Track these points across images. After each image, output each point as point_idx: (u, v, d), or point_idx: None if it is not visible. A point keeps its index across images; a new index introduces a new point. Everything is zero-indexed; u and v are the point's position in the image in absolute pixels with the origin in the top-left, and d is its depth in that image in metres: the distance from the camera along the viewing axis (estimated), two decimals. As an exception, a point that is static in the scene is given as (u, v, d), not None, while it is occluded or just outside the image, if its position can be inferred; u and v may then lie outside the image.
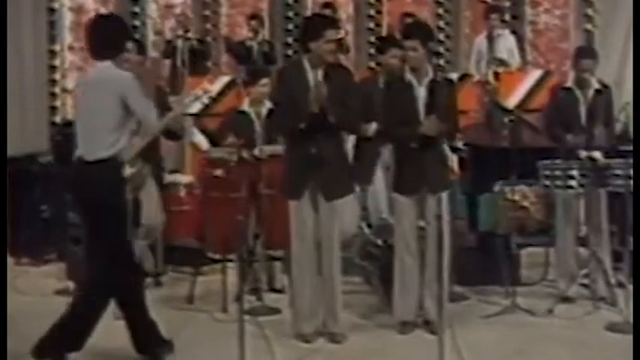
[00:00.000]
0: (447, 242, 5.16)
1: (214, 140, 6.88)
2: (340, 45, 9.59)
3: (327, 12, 9.59)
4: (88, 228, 4.88)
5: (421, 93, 5.33)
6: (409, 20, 9.59)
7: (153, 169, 6.10)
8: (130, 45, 5.88)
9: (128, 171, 5.74)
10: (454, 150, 5.77)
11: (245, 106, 6.51)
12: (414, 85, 5.35)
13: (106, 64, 4.81)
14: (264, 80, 6.51)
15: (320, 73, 5.17)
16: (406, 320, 5.41)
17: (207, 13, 10.98)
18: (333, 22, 5.50)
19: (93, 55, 4.88)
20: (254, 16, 10.21)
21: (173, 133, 6.05)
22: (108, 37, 4.88)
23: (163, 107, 5.92)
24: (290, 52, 10.88)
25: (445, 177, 5.41)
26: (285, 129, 5.34)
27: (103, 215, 4.75)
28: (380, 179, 6.31)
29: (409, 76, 5.38)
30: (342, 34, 9.54)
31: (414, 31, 5.43)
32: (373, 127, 5.97)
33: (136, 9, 10.71)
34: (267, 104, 6.32)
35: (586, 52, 6.52)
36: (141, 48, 6.02)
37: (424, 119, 5.27)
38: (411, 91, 5.35)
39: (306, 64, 5.20)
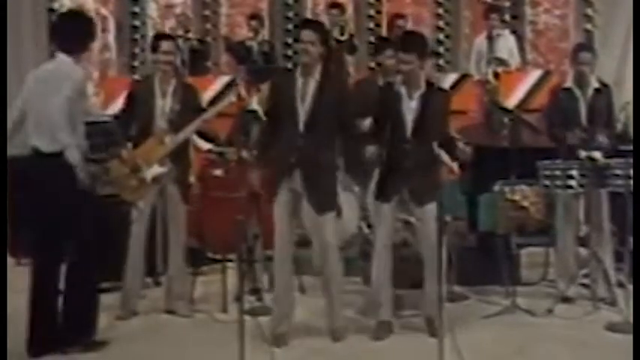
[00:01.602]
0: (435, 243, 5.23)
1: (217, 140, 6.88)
2: (351, 45, 9.62)
3: (334, 12, 9.60)
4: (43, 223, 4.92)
5: (412, 105, 5.29)
6: (400, 22, 9.59)
7: (178, 174, 5.90)
8: (168, 45, 5.92)
9: (157, 170, 5.75)
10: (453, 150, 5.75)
11: (254, 104, 6.53)
12: (403, 97, 5.32)
13: (66, 59, 4.90)
14: None
15: (312, 82, 5.20)
16: (384, 320, 5.41)
17: (207, 13, 10.98)
18: (307, 23, 5.59)
19: (57, 47, 5.00)
20: (254, 16, 10.21)
21: (205, 134, 6.05)
22: (78, 33, 4.99)
23: (195, 107, 5.94)
24: (290, 52, 10.89)
25: (431, 188, 5.29)
26: (273, 140, 5.33)
27: (58, 210, 4.83)
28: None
29: (399, 87, 5.35)
30: (347, 34, 9.54)
31: (411, 44, 5.35)
32: (367, 122, 5.96)
33: (136, 9, 10.71)
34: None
35: (584, 47, 6.53)
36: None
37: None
38: (399, 103, 5.31)
39: (298, 73, 5.25)
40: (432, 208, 5.16)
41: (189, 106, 5.88)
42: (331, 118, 5.18)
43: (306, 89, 5.19)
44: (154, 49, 5.92)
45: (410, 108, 5.30)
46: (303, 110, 5.16)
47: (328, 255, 5.29)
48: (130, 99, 5.97)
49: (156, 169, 5.76)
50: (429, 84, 5.41)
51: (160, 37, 6.21)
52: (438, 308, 4.53)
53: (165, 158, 5.78)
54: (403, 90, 5.33)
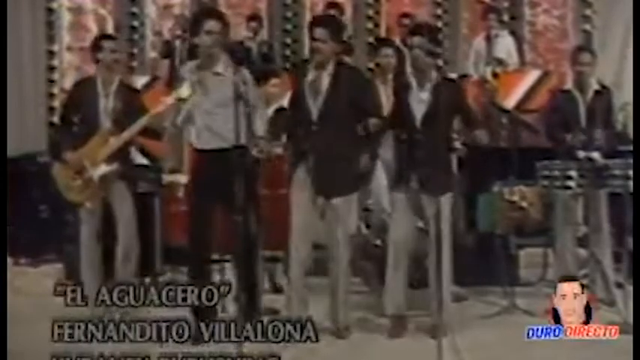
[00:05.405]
0: (448, 244, 5.20)
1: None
2: (348, 46, 9.61)
3: (333, 12, 9.57)
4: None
5: (423, 96, 5.28)
6: (407, 22, 9.59)
7: (124, 171, 5.90)
8: (112, 44, 5.94)
9: (104, 169, 5.73)
10: (452, 150, 5.76)
11: None
12: (414, 88, 5.32)
13: None
14: (274, 81, 6.53)
15: (325, 73, 5.25)
16: (397, 314, 5.39)
17: (205, 13, 10.95)
18: (321, 21, 5.55)
19: None
20: (253, 17, 10.20)
21: (153, 132, 6.01)
22: None
23: (137, 107, 5.89)
24: (288, 52, 10.87)
25: (446, 180, 5.34)
26: (290, 129, 5.42)
27: None
28: (381, 177, 6.30)
29: (411, 78, 5.36)
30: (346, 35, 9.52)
31: (420, 30, 5.39)
32: (373, 121, 5.96)
33: (135, 9, 10.69)
34: (274, 105, 6.36)
35: (584, 49, 6.56)
36: None
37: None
38: (409, 93, 5.32)
39: (312, 64, 5.31)
40: (445, 200, 5.20)
41: (131, 106, 5.87)
42: (345, 112, 5.22)
43: (320, 82, 5.26)
44: (98, 48, 5.91)
45: (420, 99, 5.29)
46: (315, 103, 5.23)
47: (339, 248, 5.32)
48: (68, 105, 6.02)
49: (103, 168, 5.75)
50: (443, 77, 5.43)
51: (103, 37, 6.24)
52: (438, 309, 4.53)
53: (112, 157, 5.77)
54: (414, 80, 5.33)
